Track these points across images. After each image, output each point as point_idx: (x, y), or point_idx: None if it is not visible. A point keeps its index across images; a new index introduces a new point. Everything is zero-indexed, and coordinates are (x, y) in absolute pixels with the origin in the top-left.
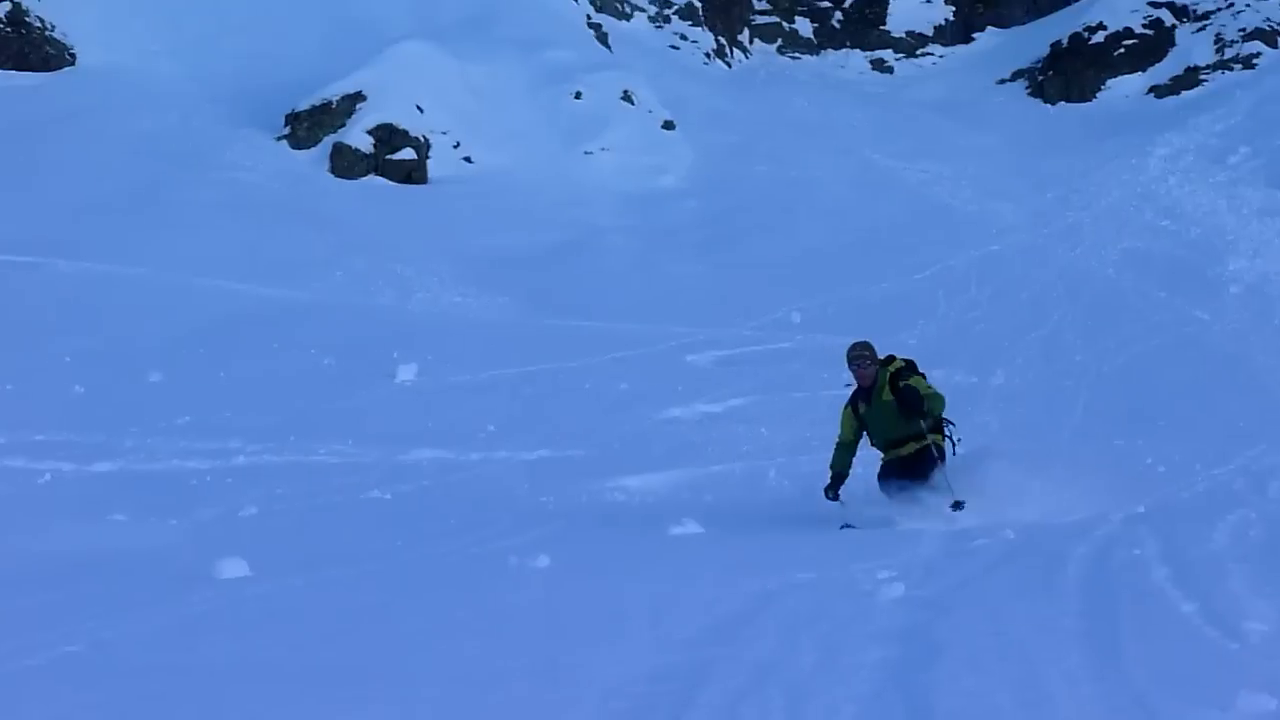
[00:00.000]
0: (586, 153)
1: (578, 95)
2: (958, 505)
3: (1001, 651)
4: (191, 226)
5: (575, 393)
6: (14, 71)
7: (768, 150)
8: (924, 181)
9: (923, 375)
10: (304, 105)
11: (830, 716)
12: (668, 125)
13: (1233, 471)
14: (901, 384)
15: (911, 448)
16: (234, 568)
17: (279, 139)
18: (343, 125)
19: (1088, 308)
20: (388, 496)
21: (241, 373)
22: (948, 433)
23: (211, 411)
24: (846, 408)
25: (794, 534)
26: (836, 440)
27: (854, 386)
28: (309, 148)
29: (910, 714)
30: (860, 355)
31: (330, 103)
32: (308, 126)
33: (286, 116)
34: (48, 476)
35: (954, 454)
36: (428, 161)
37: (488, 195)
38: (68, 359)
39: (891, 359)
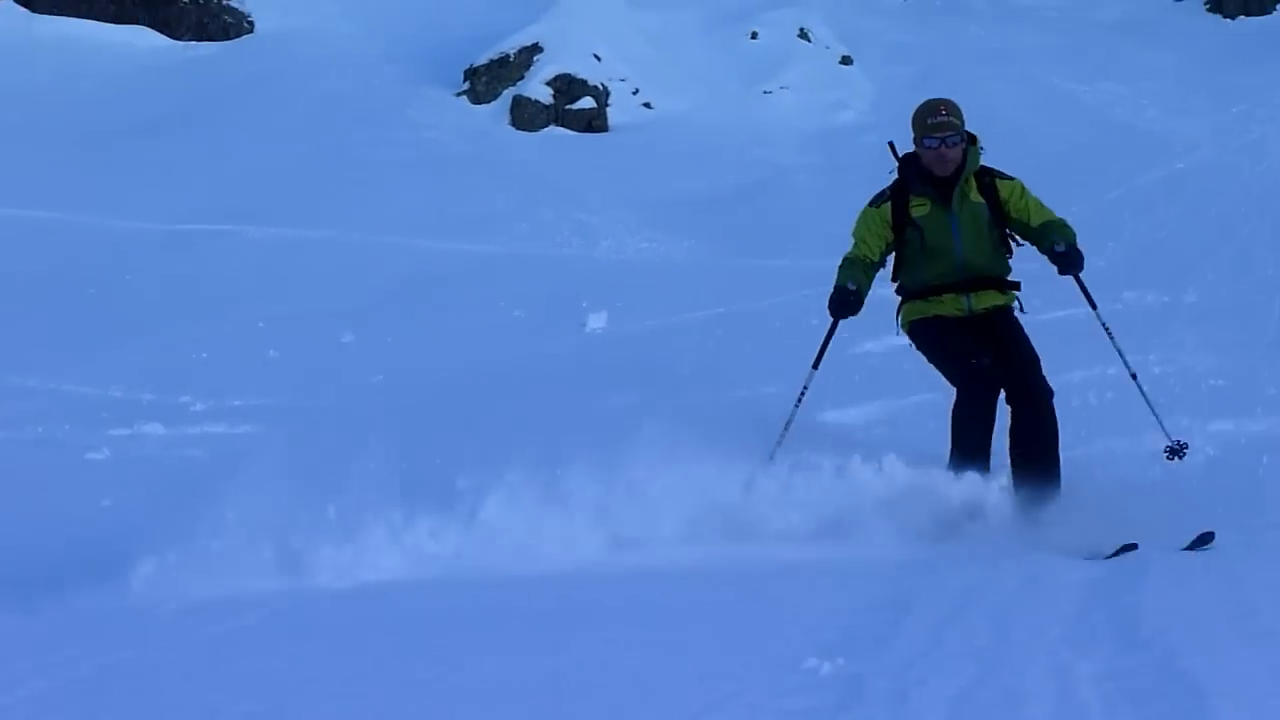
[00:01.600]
0: (766, 92)
1: (754, 35)
2: (1176, 451)
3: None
4: (377, 187)
5: (767, 331)
6: (195, 42)
7: (947, 81)
8: (1105, 103)
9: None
10: (482, 60)
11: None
12: (845, 60)
13: None
14: (999, 182)
15: (993, 299)
16: None
17: (459, 95)
18: (521, 78)
19: (1276, 222)
20: None
21: (433, 329)
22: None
23: (405, 369)
24: (879, 207)
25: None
26: (848, 255)
27: (896, 176)
28: (489, 102)
29: (1115, 631)
30: (948, 123)
31: (508, 56)
32: (486, 81)
33: (465, 72)
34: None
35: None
36: (607, 109)
37: (669, 140)
38: (261, 324)
39: (973, 137)
